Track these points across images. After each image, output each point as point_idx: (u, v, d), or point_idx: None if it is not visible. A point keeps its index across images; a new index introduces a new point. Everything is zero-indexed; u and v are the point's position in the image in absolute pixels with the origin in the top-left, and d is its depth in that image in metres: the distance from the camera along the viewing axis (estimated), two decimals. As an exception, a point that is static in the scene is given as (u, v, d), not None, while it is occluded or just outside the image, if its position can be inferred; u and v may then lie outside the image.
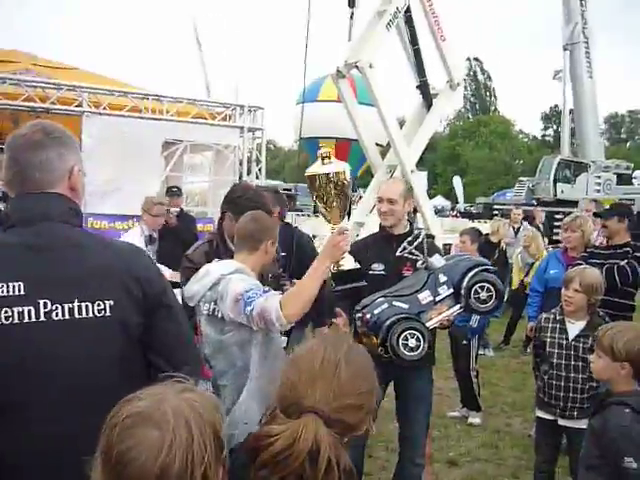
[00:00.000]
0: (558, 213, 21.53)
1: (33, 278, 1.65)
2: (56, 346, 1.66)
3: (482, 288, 3.37)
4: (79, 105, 7.72)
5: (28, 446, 1.60)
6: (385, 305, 3.21)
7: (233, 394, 2.68)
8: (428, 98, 12.21)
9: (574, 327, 3.56)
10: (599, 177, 23.40)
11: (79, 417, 1.63)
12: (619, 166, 24.48)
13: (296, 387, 1.17)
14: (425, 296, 3.35)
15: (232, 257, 3.49)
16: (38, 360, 1.64)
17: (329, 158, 2.69)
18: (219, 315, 2.68)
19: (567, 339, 3.55)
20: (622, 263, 4.59)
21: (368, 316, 3.18)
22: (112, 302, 1.71)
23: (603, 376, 2.57)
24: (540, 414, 3.72)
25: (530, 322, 5.02)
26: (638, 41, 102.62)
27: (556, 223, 18.73)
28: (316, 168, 2.72)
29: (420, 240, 3.46)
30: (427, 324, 3.24)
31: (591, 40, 24.37)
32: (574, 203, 22.98)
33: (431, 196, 27.74)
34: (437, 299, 3.37)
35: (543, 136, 64.45)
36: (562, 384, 3.53)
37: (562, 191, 23.83)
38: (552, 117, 61.81)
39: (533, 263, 8.06)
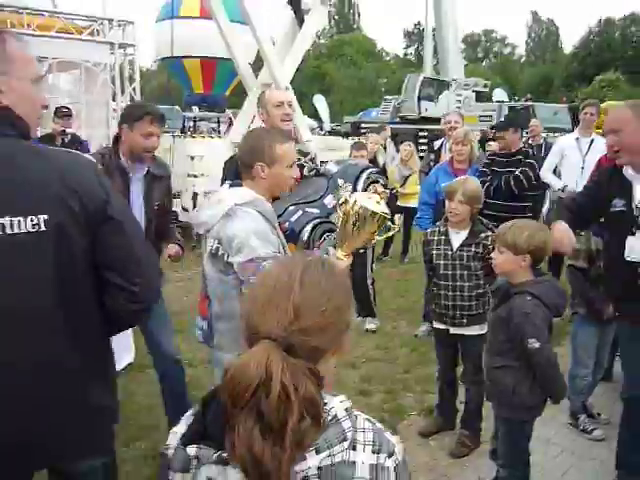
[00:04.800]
0: (422, 130, 22.42)
1: None
2: None
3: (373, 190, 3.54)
4: None
5: None
6: (299, 212, 3.24)
7: (230, 341, 2.53)
8: (300, 14, 12.00)
9: (458, 237, 3.69)
10: (460, 95, 24.33)
11: (14, 342, 1.57)
12: (478, 84, 25.52)
13: (252, 316, 1.10)
14: (329, 200, 3.46)
15: (122, 172, 3.42)
16: None
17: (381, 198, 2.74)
18: (224, 257, 2.46)
19: (452, 249, 3.68)
20: (517, 172, 4.96)
21: (286, 225, 3.20)
22: (47, 216, 1.60)
23: (505, 269, 2.78)
24: (435, 324, 3.90)
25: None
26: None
27: (421, 140, 19.59)
28: (369, 204, 2.70)
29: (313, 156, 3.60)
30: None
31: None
32: (437, 120, 23.95)
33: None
34: (339, 202, 3.51)
35: (405, 54, 65.71)
36: (450, 294, 3.67)
37: (426, 109, 24.60)
38: (414, 35, 62.99)
39: (409, 176, 8.52)
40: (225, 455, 1.05)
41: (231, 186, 2.83)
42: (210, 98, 22.79)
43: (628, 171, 3.01)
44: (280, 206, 3.31)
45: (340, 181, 3.64)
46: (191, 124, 19.20)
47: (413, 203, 7.34)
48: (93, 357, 1.83)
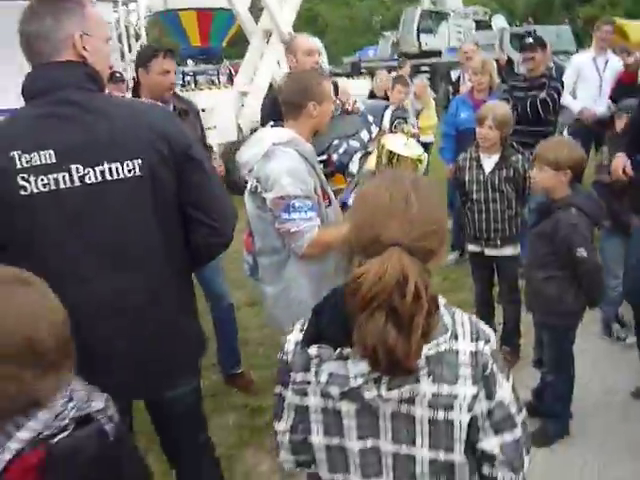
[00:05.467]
0: (423, 65, 22.15)
1: (62, 145, 1.65)
2: (94, 208, 1.70)
3: (399, 124, 3.66)
4: None
5: (86, 300, 1.69)
6: (345, 145, 3.36)
7: (272, 274, 2.69)
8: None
9: (489, 161, 3.79)
10: (459, 25, 23.94)
11: (127, 273, 1.74)
12: (477, 13, 25.08)
13: (372, 226, 1.19)
14: (364, 134, 3.60)
15: None
16: (79, 223, 1.68)
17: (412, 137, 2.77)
18: (261, 194, 2.57)
19: (484, 174, 3.78)
20: (543, 95, 4.97)
21: (334, 157, 3.32)
22: (140, 161, 1.73)
23: (547, 185, 2.89)
24: (470, 248, 4.05)
25: (449, 164, 5.27)
26: None
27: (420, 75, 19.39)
28: (399, 146, 2.78)
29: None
30: None
31: None
32: (438, 53, 23.64)
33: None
34: (373, 136, 3.65)
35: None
36: (484, 217, 3.80)
37: (426, 43, 24.25)
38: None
39: (422, 110, 8.53)
40: (346, 351, 1.20)
41: (273, 127, 2.95)
42: (207, 50, 22.54)
43: None
44: (324, 141, 3.43)
45: (370, 117, 3.79)
46: (188, 78, 19.06)
47: (426, 138, 7.38)
48: (185, 290, 2.00)
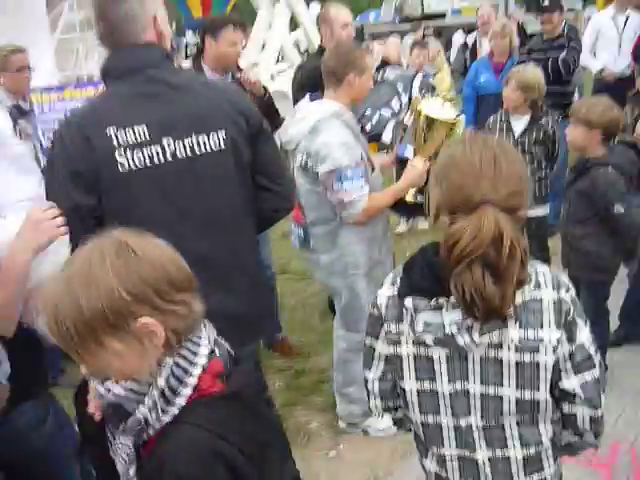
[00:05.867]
0: (428, 28, 21.88)
1: (153, 121, 1.77)
2: (185, 181, 1.82)
3: (427, 92, 3.75)
4: None
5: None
6: (377, 115, 3.45)
7: (326, 243, 2.82)
8: None
9: (519, 123, 3.87)
10: (463, -15, 23.56)
11: (222, 236, 1.88)
12: (482, -29, 24.66)
13: (463, 187, 1.28)
14: (395, 102, 3.69)
15: None
16: (173, 194, 1.81)
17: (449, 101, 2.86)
18: (312, 168, 2.68)
19: (514, 136, 3.85)
20: (563, 55, 5.03)
21: (368, 127, 3.41)
22: (224, 133, 1.85)
23: (580, 143, 2.97)
24: None
25: (469, 127, 5.36)
26: None
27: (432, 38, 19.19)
28: (435, 110, 2.85)
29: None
30: None
31: None
32: (442, 16, 23.34)
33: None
34: (403, 104, 3.74)
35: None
36: None
37: (429, 5, 23.94)
38: None
39: (435, 73, 8.51)
40: (440, 301, 1.31)
41: (312, 99, 3.03)
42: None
43: None
44: (357, 110, 3.52)
45: (399, 85, 3.88)
46: (195, 50, 18.94)
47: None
48: (255, 250, 2.17)
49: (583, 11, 17.91)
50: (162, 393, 1.10)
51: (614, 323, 3.58)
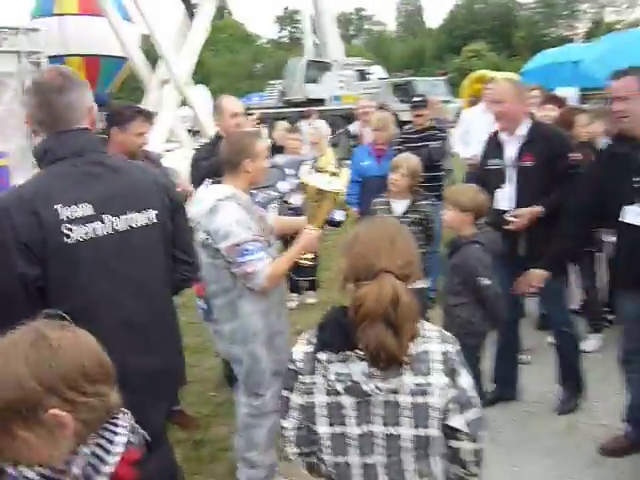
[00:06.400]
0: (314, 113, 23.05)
1: (96, 199, 1.97)
2: (123, 251, 2.02)
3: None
4: None
5: (119, 320, 2.02)
6: (260, 195, 3.78)
7: (227, 312, 3.01)
8: (190, 7, 12.25)
9: (400, 205, 4.33)
10: (342, 75, 25.20)
11: (152, 302, 2.10)
12: (359, 63, 26.51)
13: (366, 257, 1.58)
14: (281, 185, 4.10)
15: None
16: (112, 262, 2.00)
17: (335, 175, 3.23)
18: (212, 245, 2.86)
19: (394, 217, 4.23)
20: (434, 144, 5.68)
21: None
22: (153, 209, 2.09)
23: (454, 224, 3.43)
24: None
25: (354, 208, 5.73)
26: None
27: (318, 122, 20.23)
28: (322, 183, 3.16)
29: None
30: None
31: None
32: (322, 101, 24.73)
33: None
34: (290, 186, 4.16)
35: (280, 37, 66.36)
36: None
37: (311, 91, 25.30)
38: (285, 19, 63.73)
39: (319, 157, 9.06)
40: (347, 354, 1.58)
41: (213, 184, 3.30)
42: (95, 96, 22.23)
43: (502, 136, 3.84)
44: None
45: (287, 170, 4.28)
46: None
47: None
48: (175, 314, 2.39)
49: (454, 102, 19.64)
50: None
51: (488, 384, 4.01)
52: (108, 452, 1.19)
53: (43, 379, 1.10)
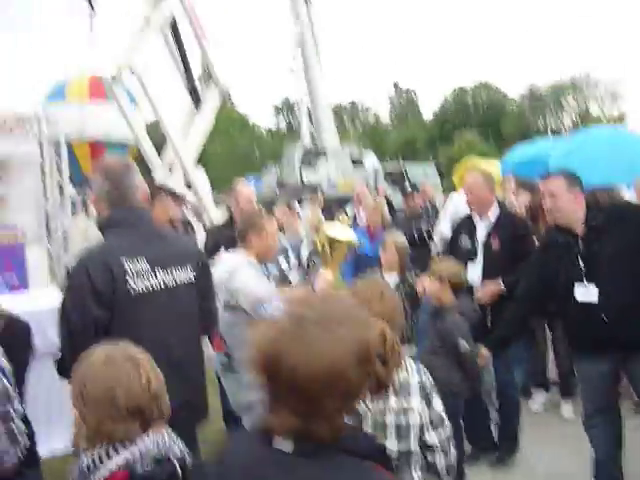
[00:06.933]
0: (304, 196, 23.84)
1: (150, 255, 2.49)
2: (172, 302, 2.52)
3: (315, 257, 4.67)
4: None
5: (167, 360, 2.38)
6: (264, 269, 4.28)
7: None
8: (196, 95, 12.96)
9: (390, 278, 4.75)
10: (337, 163, 26.22)
11: (188, 345, 2.60)
12: (353, 152, 27.60)
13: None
14: (282, 262, 4.66)
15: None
16: (164, 312, 2.50)
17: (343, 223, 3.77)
18: (232, 302, 3.35)
19: None
20: (424, 226, 6.35)
21: None
22: (190, 268, 2.60)
23: (434, 293, 3.91)
24: None
25: (349, 284, 6.29)
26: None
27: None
28: (335, 232, 3.73)
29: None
30: None
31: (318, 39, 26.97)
32: (318, 187, 25.51)
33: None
34: (291, 265, 4.69)
35: (278, 127, 68.98)
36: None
37: (307, 177, 26.19)
38: (283, 110, 66.59)
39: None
40: None
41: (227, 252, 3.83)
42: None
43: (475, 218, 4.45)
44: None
45: (290, 251, 4.81)
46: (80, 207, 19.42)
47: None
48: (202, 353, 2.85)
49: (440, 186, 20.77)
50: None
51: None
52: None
53: None
